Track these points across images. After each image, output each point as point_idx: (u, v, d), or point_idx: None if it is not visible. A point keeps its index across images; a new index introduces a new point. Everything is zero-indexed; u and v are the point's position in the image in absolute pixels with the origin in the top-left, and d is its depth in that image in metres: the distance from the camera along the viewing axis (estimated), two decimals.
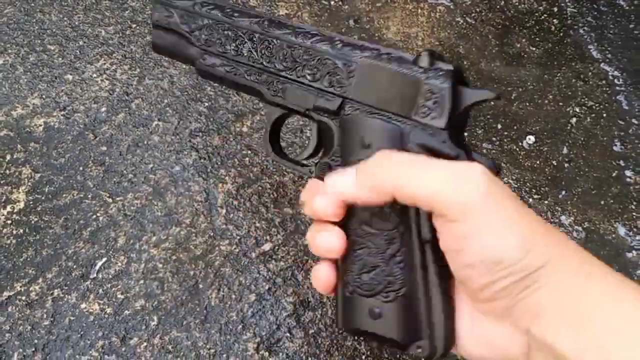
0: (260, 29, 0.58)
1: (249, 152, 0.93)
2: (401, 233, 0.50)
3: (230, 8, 0.61)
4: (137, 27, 1.09)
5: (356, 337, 0.76)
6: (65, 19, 1.10)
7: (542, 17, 1.09)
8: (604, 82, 1.00)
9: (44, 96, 1.00)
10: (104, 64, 1.04)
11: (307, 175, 0.59)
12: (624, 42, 1.05)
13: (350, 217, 0.52)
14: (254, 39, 0.59)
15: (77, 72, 1.03)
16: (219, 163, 0.92)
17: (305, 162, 0.61)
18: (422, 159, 0.47)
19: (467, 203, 0.43)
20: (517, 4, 1.11)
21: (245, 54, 0.59)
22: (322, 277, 0.53)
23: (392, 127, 0.51)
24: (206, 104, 0.98)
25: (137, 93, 1.00)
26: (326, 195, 0.50)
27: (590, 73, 1.02)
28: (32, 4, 1.12)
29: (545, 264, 0.43)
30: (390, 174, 0.47)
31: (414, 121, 0.50)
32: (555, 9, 1.09)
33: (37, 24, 1.09)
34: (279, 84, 0.58)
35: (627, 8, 1.09)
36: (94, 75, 1.02)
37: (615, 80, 1.01)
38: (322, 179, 0.53)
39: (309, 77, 0.56)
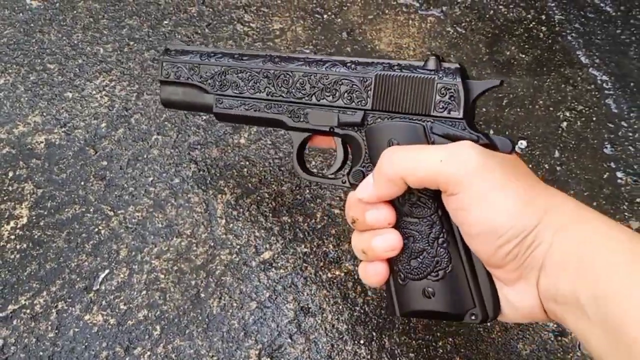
0: (273, 66, 0.64)
1: (247, 163, 0.94)
2: (439, 216, 0.56)
3: (239, 54, 0.66)
4: (135, 45, 1.11)
5: (405, 320, 0.78)
6: (64, 38, 1.13)
7: (531, 25, 1.11)
8: (592, 86, 1.03)
9: (44, 114, 1.02)
10: (103, 80, 1.06)
11: (340, 185, 0.66)
12: (611, 47, 1.07)
13: None
14: (269, 76, 0.64)
15: (76, 89, 1.05)
16: (218, 175, 0.93)
17: (335, 175, 0.67)
18: (421, 147, 0.55)
19: (461, 175, 0.49)
20: (506, 12, 1.13)
21: (263, 90, 0.64)
22: (378, 273, 0.59)
23: (414, 125, 0.57)
24: (204, 117, 1.00)
25: (136, 108, 1.02)
26: (377, 208, 0.56)
27: (579, 78, 1.04)
28: (32, 25, 1.14)
29: (540, 222, 0.47)
30: (398, 165, 0.53)
31: (433, 116, 0.57)
32: (543, 17, 1.12)
33: (37, 44, 1.12)
34: (301, 110, 0.64)
35: (614, 14, 1.12)
36: (94, 92, 1.05)
37: (604, 85, 1.03)
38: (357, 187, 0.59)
39: (329, 99, 0.62)
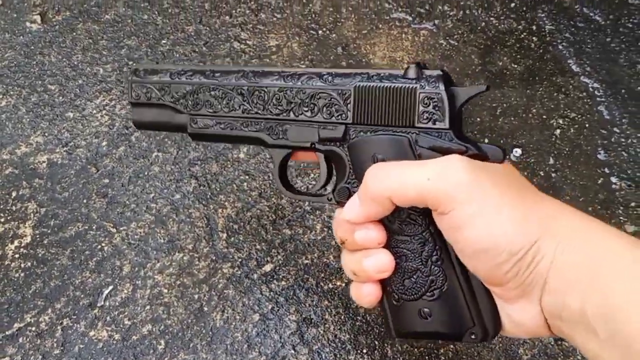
0: (247, 82, 0.61)
1: (247, 177, 0.96)
2: (432, 233, 0.53)
3: (210, 70, 0.63)
4: (134, 64, 1.13)
5: (404, 341, 0.78)
6: (64, 59, 1.15)
7: (522, 35, 1.13)
8: (584, 94, 1.04)
9: (46, 134, 1.03)
10: (103, 100, 1.08)
11: (327, 203, 0.63)
12: (602, 55, 1.09)
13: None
14: (244, 92, 0.61)
15: (77, 109, 1.07)
16: (218, 189, 0.95)
17: (320, 191, 0.65)
18: (406, 164, 0.52)
19: (451, 193, 0.47)
20: (497, 24, 1.15)
21: (238, 108, 0.62)
22: (370, 294, 0.56)
23: (399, 138, 0.54)
24: None
25: None
26: (366, 227, 0.54)
27: (571, 86, 1.06)
28: (32, 47, 1.16)
29: (540, 237, 0.45)
30: (383, 185, 0.51)
31: (418, 128, 0.54)
32: (534, 27, 1.14)
33: (38, 66, 1.14)
34: (279, 127, 0.61)
35: (603, 23, 1.14)
36: (94, 111, 1.06)
37: (596, 92, 1.05)
38: (344, 205, 0.57)
39: (308, 114, 0.59)
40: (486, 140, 0.99)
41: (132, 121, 0.69)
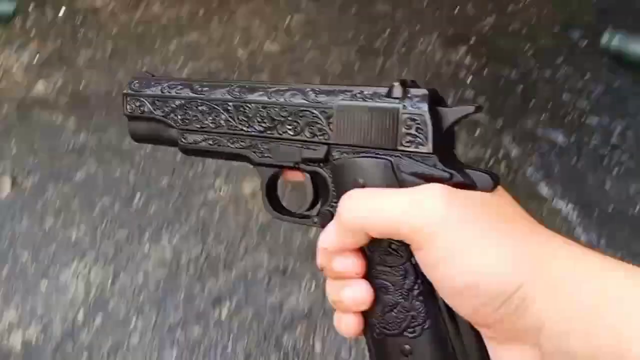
0: (232, 97, 0.60)
1: (231, 339, 0.93)
2: (413, 265, 0.49)
3: (199, 84, 0.62)
4: (108, 224, 1.12)
5: None
6: (35, 225, 1.13)
7: (490, 162, 1.16)
8: (559, 217, 1.06)
9: (19, 309, 1.00)
10: (78, 265, 1.06)
11: (312, 225, 0.59)
12: (570, 176, 1.12)
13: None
14: (229, 108, 0.60)
15: (51, 279, 1.04)
16: (202, 357, 0.91)
17: (307, 213, 0.60)
18: (383, 193, 0.49)
19: (425, 229, 0.43)
20: (465, 152, 1.18)
21: (224, 124, 0.60)
22: (348, 325, 0.52)
23: (381, 162, 0.51)
24: (182, 295, 0.99)
25: (113, 292, 1.01)
26: (344, 256, 0.50)
27: (545, 210, 1.07)
28: (2, 215, 1.15)
29: (526, 280, 0.41)
30: (356, 215, 0.48)
31: (401, 151, 0.51)
32: (500, 155, 1.17)
33: (8, 236, 1.12)
34: (264, 145, 0.59)
35: (566, 145, 1.18)
36: (68, 280, 1.04)
37: (569, 215, 1.06)
38: None
39: (290, 132, 0.57)
40: None
41: (129, 133, 0.66)
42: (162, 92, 0.64)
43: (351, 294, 0.51)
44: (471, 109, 0.50)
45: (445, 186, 0.45)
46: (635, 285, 0.39)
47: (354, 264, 0.51)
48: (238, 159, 0.63)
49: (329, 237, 0.51)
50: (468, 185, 0.47)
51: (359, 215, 0.48)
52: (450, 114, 0.50)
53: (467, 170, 0.48)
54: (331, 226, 0.52)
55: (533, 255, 0.41)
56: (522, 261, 0.41)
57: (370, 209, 0.47)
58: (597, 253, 0.41)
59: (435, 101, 0.51)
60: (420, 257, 0.45)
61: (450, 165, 0.49)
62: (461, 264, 0.42)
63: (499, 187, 0.48)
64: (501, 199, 0.48)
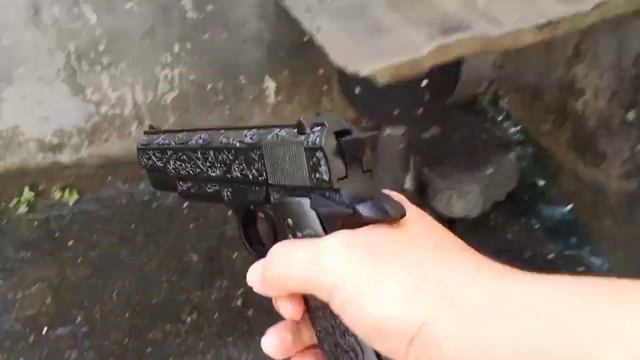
0: (199, 145, 0.60)
1: None
2: None
3: (182, 133, 0.63)
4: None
5: None
6: None
7: None
8: None
9: None
10: None
11: None
12: None
13: None
14: (198, 156, 0.60)
15: None
16: None
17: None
18: (296, 246, 0.46)
19: (326, 283, 0.42)
20: None
21: (199, 171, 0.60)
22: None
23: (301, 201, 0.49)
24: None
25: None
26: (281, 301, 0.48)
27: None
28: None
29: (428, 319, 0.39)
30: (273, 270, 0.47)
31: (312, 188, 0.49)
32: None
33: None
34: (227, 188, 0.59)
35: None
36: None
37: None
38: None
39: (240, 175, 0.56)
40: None
41: (150, 183, 0.71)
42: (159, 144, 0.66)
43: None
44: (375, 133, 0.47)
45: (343, 233, 0.43)
46: (571, 310, 0.34)
47: (292, 309, 0.48)
48: (219, 202, 0.63)
49: (255, 285, 0.49)
50: (376, 218, 0.44)
51: (275, 272, 0.46)
52: (353, 142, 0.46)
53: (376, 200, 0.44)
54: (257, 273, 0.50)
55: (441, 287, 0.39)
56: (424, 297, 0.38)
57: (284, 264, 0.45)
58: (528, 273, 0.38)
59: (340, 131, 0.47)
60: (331, 306, 0.43)
61: (360, 196, 0.45)
62: (360, 311, 0.40)
63: (417, 211, 0.45)
64: (415, 226, 0.44)
